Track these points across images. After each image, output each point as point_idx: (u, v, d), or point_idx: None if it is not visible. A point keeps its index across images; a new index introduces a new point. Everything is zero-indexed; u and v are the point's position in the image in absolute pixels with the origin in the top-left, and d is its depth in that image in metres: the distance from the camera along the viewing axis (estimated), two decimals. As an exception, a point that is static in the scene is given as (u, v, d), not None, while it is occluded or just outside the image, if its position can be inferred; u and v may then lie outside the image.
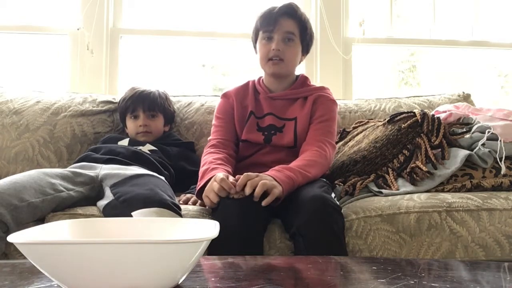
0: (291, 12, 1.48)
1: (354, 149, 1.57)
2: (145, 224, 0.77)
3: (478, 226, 1.22)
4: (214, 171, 1.29)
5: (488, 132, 1.43)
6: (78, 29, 2.20)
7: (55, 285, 0.61)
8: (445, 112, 1.63)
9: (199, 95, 2.00)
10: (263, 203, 1.16)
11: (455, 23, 2.52)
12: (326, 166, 1.41)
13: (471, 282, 0.68)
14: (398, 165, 1.44)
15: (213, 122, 1.57)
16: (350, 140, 1.69)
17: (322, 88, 1.56)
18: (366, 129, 1.66)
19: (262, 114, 1.52)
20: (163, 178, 1.39)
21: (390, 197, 1.31)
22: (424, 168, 1.37)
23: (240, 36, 2.34)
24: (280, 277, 0.73)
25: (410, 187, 1.36)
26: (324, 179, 1.39)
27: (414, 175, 1.37)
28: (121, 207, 1.18)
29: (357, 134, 1.68)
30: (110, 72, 2.28)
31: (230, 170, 1.35)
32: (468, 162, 1.39)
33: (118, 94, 2.05)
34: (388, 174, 1.43)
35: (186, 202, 1.44)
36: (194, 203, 1.41)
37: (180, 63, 2.47)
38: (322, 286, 0.67)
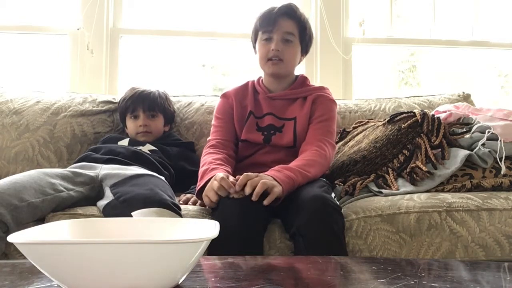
0: (290, 12, 1.49)
1: (354, 149, 1.57)
2: (145, 224, 0.77)
3: (478, 226, 1.22)
4: (214, 171, 1.29)
5: (488, 132, 1.43)
6: (78, 29, 2.20)
7: (55, 285, 0.61)
8: (445, 112, 1.63)
9: (199, 95, 2.00)
10: (265, 202, 1.16)
11: (455, 23, 2.52)
12: (326, 166, 1.41)
13: (471, 282, 0.68)
14: (398, 165, 1.45)
15: (213, 122, 1.57)
16: (350, 140, 1.69)
17: (321, 88, 1.56)
18: (366, 129, 1.66)
19: (261, 114, 1.52)
20: (163, 178, 1.39)
21: (390, 197, 1.31)
22: (424, 168, 1.37)
23: (240, 36, 2.34)
24: (280, 277, 0.73)
25: (410, 187, 1.36)
26: (324, 179, 1.39)
27: (414, 175, 1.38)
28: (121, 207, 1.18)
29: (357, 134, 1.68)
30: (110, 72, 2.28)
31: (229, 170, 1.35)
32: (468, 162, 1.39)
33: (118, 94, 2.05)
34: (388, 174, 1.43)
35: (186, 202, 1.44)
36: (194, 203, 1.41)
37: (180, 63, 2.47)
38: (322, 286, 0.67)
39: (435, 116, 1.50)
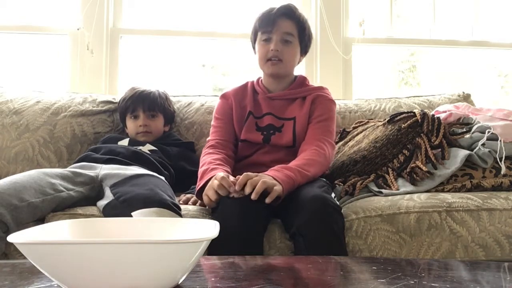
0: (290, 13, 1.49)
1: (354, 149, 1.57)
2: (145, 224, 0.78)
3: (478, 226, 1.22)
4: (214, 171, 1.29)
5: (488, 132, 1.43)
6: (78, 29, 2.20)
7: (55, 285, 0.61)
8: (445, 112, 1.63)
9: (199, 95, 2.00)
10: (267, 200, 1.16)
11: (455, 23, 2.52)
12: (326, 165, 1.42)
13: (471, 282, 0.68)
14: (398, 165, 1.45)
15: (212, 123, 1.57)
16: (350, 140, 1.69)
17: (320, 88, 1.56)
18: (366, 129, 1.66)
19: (261, 114, 1.52)
20: (163, 178, 1.40)
21: (390, 197, 1.31)
22: (424, 168, 1.37)
23: (240, 36, 2.34)
24: (280, 277, 0.73)
25: (410, 187, 1.36)
26: (324, 179, 1.39)
27: (414, 175, 1.38)
28: (121, 207, 1.18)
29: (357, 134, 1.68)
30: (110, 72, 2.28)
31: (229, 170, 1.35)
32: (468, 162, 1.39)
33: (118, 94, 2.05)
34: (388, 174, 1.43)
35: (186, 202, 1.44)
36: (194, 203, 1.41)
37: (180, 63, 2.47)
38: (322, 286, 0.67)
39: (435, 116, 1.50)
